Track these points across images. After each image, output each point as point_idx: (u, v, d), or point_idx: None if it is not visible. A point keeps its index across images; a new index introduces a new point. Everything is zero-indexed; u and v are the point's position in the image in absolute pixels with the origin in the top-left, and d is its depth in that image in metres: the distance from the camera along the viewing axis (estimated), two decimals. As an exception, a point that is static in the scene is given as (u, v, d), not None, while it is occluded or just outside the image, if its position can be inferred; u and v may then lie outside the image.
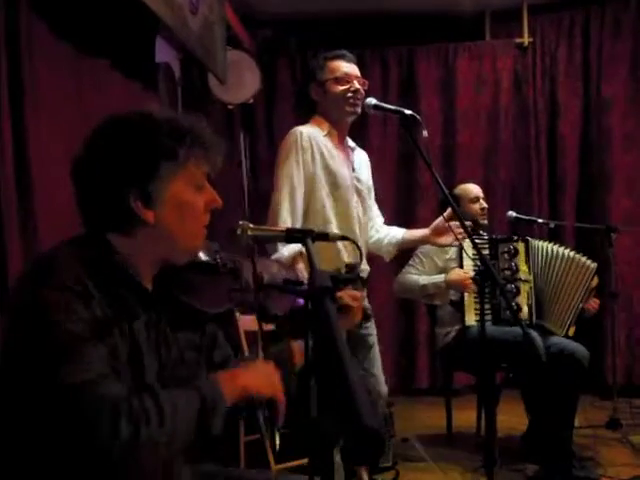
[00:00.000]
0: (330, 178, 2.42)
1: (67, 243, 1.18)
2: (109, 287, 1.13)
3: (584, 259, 3.22)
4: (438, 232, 2.43)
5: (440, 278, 3.22)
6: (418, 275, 3.34)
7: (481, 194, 3.51)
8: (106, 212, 1.18)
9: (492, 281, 2.07)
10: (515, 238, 3.19)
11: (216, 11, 3.51)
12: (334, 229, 2.39)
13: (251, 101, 4.38)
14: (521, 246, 3.17)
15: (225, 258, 1.29)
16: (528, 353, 2.58)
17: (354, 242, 1.32)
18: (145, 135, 1.17)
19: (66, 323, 1.04)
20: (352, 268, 1.49)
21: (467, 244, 2.98)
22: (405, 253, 3.39)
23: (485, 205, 3.48)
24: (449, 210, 2.28)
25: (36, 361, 1.04)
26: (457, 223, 2.26)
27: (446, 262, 3.33)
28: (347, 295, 1.43)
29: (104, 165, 1.16)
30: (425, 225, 4.56)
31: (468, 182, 3.62)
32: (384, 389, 2.54)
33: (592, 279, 3.21)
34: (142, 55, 3.24)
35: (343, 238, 1.31)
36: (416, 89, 4.88)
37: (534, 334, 2.93)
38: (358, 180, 2.55)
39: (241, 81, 4.22)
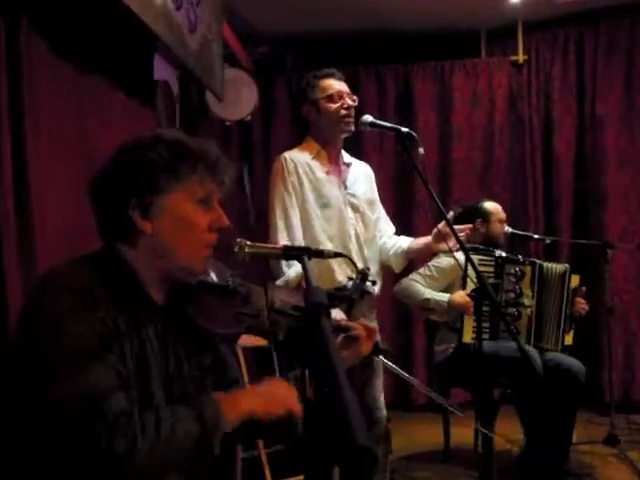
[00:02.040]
0: (319, 200, 2.44)
1: (82, 256, 1.24)
2: (119, 297, 1.18)
3: (555, 265, 3.23)
4: (440, 238, 2.42)
5: (444, 297, 3.16)
6: (424, 287, 3.28)
7: (504, 216, 3.53)
8: (111, 221, 1.25)
9: (490, 301, 2.07)
10: (522, 260, 3.15)
11: (214, 29, 3.54)
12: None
13: (248, 118, 4.41)
14: (528, 270, 3.13)
15: (237, 282, 1.31)
16: (525, 370, 2.57)
17: (349, 258, 1.33)
18: (148, 150, 1.23)
19: (76, 333, 1.08)
20: (362, 275, 1.46)
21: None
22: (411, 265, 3.39)
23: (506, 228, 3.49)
24: (443, 222, 2.29)
25: (42, 369, 1.07)
26: (462, 227, 2.27)
27: (456, 280, 3.26)
28: (360, 325, 1.42)
29: (110, 176, 1.25)
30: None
31: (493, 200, 3.62)
32: (382, 412, 2.50)
33: (569, 281, 3.20)
34: (141, 73, 3.27)
35: (338, 255, 1.33)
36: (412, 106, 4.92)
37: (532, 351, 2.93)
38: (353, 196, 2.55)
39: (238, 98, 4.26)
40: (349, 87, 2.59)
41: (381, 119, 2.25)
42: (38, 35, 2.37)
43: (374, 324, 2.51)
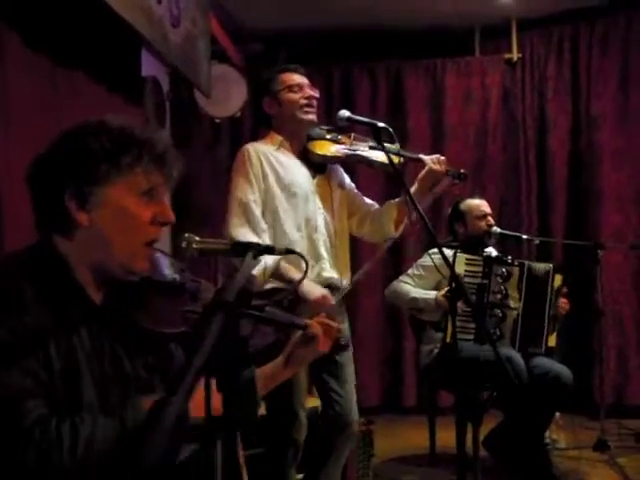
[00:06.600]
0: (285, 190, 2.34)
1: (16, 251, 1.18)
2: (50, 294, 1.12)
3: (539, 265, 3.12)
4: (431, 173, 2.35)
5: (431, 295, 3.10)
6: (413, 286, 3.22)
7: (488, 210, 3.37)
8: (46, 210, 1.19)
9: (465, 300, 2.01)
10: (510, 261, 3.07)
11: (200, 24, 3.49)
12: (294, 240, 2.32)
13: (238, 115, 4.36)
14: (515, 270, 3.04)
15: (185, 278, 1.25)
16: (508, 374, 2.52)
17: (300, 255, 1.27)
18: (88, 137, 1.17)
19: None
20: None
21: (460, 261, 2.92)
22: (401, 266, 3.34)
23: (492, 223, 3.34)
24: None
25: None
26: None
27: (445, 277, 3.11)
28: (316, 323, 1.39)
29: (48, 162, 1.18)
30: (411, 240, 4.46)
31: (475, 197, 3.48)
32: (354, 416, 2.40)
33: (553, 280, 3.10)
34: (126, 68, 3.21)
35: (289, 252, 1.27)
36: (405, 104, 4.86)
37: (514, 355, 2.87)
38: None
39: (228, 95, 4.21)
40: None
41: (373, 117, 2.21)
42: (11, 29, 2.33)
43: (344, 323, 2.42)
